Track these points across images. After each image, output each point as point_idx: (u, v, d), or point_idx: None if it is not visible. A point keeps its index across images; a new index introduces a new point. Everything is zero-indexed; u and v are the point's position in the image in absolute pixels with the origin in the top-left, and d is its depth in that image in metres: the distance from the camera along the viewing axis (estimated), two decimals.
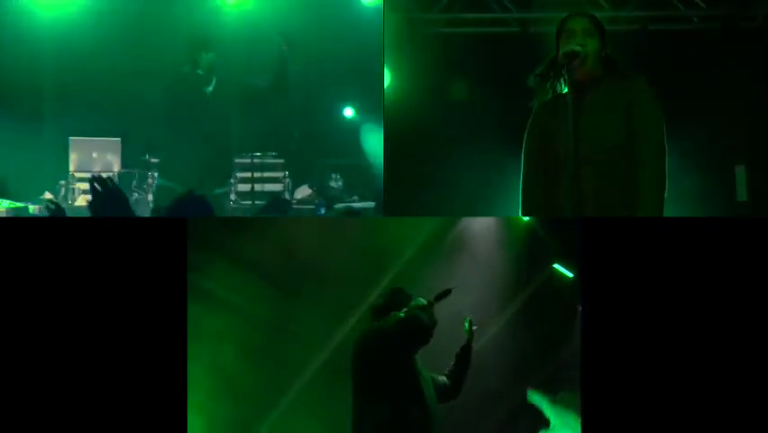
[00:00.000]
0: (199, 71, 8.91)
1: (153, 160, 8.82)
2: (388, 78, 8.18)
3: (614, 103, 4.57)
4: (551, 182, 4.50)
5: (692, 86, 7.91)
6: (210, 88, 8.97)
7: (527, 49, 6.29)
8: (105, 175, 4.09)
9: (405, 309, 4.00)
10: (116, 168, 8.91)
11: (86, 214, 4.09)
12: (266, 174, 9.08)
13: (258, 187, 9.00)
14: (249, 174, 9.02)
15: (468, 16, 8.42)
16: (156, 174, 8.78)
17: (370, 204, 8.78)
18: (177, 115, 8.83)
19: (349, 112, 9.90)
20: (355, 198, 9.27)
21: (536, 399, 5.87)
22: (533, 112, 4.77)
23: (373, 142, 9.07)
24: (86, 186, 8.69)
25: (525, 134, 4.72)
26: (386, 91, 7.81)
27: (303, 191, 9.24)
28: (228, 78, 9.15)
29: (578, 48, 4.53)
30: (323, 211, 8.80)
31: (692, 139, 7.26)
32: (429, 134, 8.14)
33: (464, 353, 4.47)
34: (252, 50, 9.50)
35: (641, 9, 8.46)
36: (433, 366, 4.33)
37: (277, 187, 9.06)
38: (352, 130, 9.73)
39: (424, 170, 8.07)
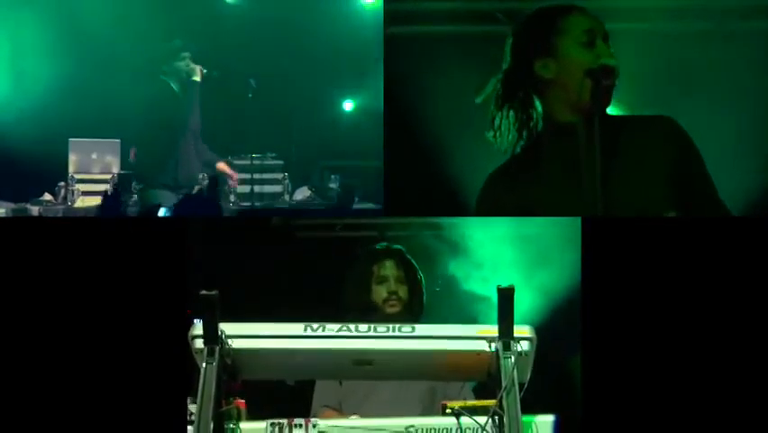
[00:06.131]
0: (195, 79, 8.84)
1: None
2: (387, 78, 8.16)
3: (656, 153, 3.19)
4: None
5: None
6: (197, 78, 8.84)
7: None
8: None
9: None
10: (115, 169, 8.90)
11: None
12: (265, 175, 9.06)
13: (257, 188, 8.98)
14: (248, 175, 9.00)
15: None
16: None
17: (371, 205, 8.77)
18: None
19: (348, 105, 9.88)
20: (355, 198, 9.26)
21: None
22: (488, 177, 3.45)
23: (372, 143, 9.06)
24: (85, 187, 8.69)
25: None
26: (387, 91, 7.78)
27: (302, 192, 9.24)
28: (228, 77, 9.16)
29: (613, 62, 3.10)
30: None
31: None
32: (431, 134, 8.10)
33: None
34: (251, 49, 9.51)
35: None
36: None
37: (276, 188, 9.05)
38: (352, 131, 9.73)
39: (425, 170, 8.03)
